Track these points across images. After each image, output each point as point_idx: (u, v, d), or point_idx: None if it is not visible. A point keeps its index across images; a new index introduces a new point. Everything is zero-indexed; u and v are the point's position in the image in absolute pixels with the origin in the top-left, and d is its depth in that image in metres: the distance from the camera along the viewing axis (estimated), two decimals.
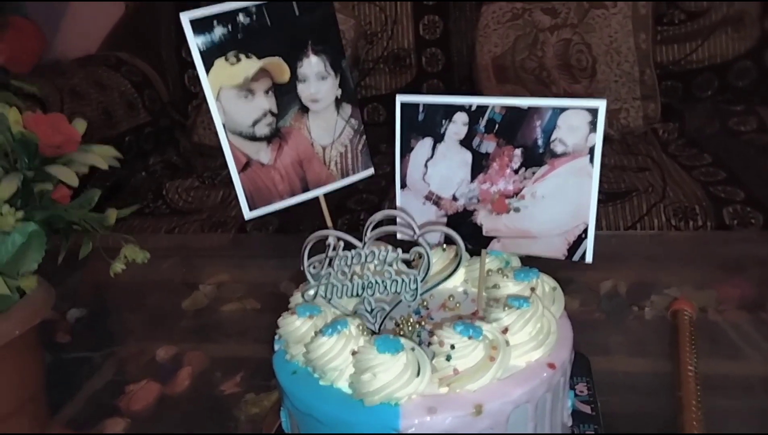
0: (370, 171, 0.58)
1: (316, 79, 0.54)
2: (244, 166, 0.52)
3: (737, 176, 1.38)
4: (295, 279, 0.92)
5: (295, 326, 0.50)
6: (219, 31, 0.49)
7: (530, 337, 0.48)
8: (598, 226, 1.32)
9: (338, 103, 0.55)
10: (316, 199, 0.56)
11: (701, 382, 0.62)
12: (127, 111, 1.79)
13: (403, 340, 0.46)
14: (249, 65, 0.50)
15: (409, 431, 0.44)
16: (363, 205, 1.41)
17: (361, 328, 0.49)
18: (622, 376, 0.70)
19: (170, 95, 1.99)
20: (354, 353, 0.47)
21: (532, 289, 0.53)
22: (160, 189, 1.56)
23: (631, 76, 1.72)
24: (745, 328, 0.75)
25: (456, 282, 0.59)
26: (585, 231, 0.50)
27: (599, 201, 1.37)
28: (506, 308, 0.49)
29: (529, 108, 0.49)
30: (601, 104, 0.47)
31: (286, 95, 0.53)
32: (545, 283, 0.54)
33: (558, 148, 0.49)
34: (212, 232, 1.34)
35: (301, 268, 0.52)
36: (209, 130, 1.89)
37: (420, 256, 0.50)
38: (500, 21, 1.78)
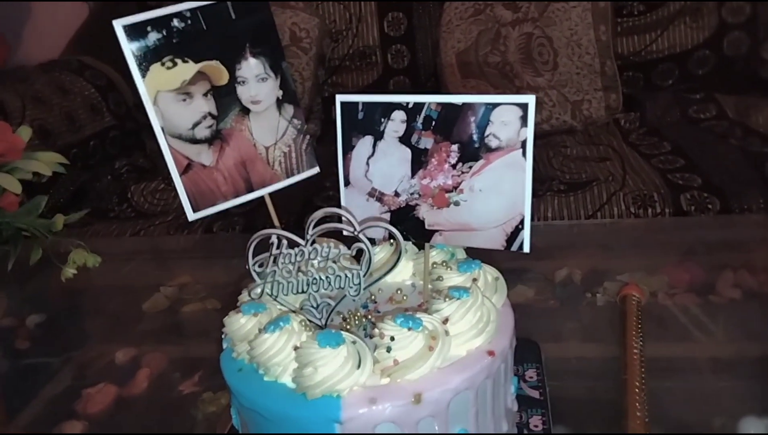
0: (315, 169, 0.59)
1: (256, 81, 0.54)
2: (186, 169, 0.53)
3: (695, 163, 1.41)
4: None
5: (240, 324, 0.51)
6: (153, 37, 0.49)
7: (470, 326, 0.49)
8: (560, 216, 1.34)
9: (279, 103, 0.56)
10: (262, 199, 0.57)
11: (647, 364, 0.64)
12: (91, 115, 1.78)
13: (344, 334, 0.47)
14: (186, 69, 0.51)
15: (350, 422, 0.45)
16: (329, 202, 1.41)
17: (303, 323, 0.50)
18: (572, 362, 0.71)
19: (135, 98, 1.97)
20: (296, 348, 0.47)
21: (474, 280, 0.54)
22: (125, 192, 1.56)
23: (592, 68, 1.75)
24: (694, 311, 0.77)
25: (405, 275, 0.60)
26: (522, 222, 0.51)
27: (561, 191, 1.39)
28: (447, 299, 0.50)
29: (463, 104, 0.50)
30: (530, 100, 0.48)
31: (225, 97, 0.53)
32: (488, 274, 0.55)
33: (492, 143, 0.50)
34: (178, 234, 1.34)
35: (246, 267, 0.52)
36: None
37: (361, 251, 0.51)
38: (463, 17, 1.79)
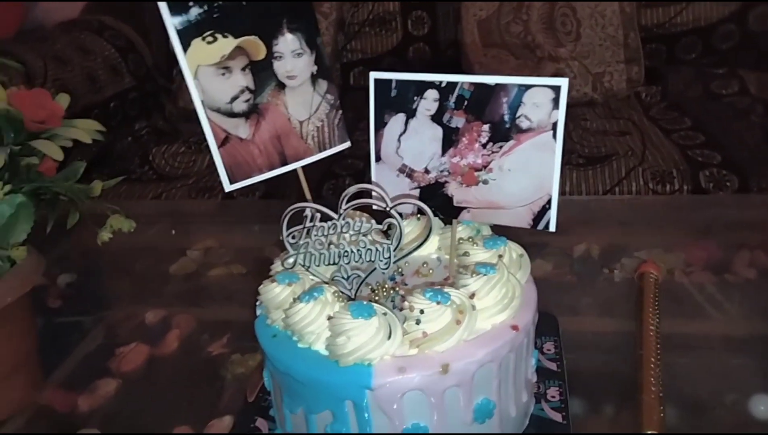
0: (347, 144, 0.61)
1: (292, 56, 0.55)
2: (224, 141, 0.54)
3: (715, 140, 1.41)
4: (279, 244, 0.95)
5: (275, 293, 0.53)
6: (195, 12, 0.50)
7: (496, 302, 0.51)
8: (578, 190, 1.35)
9: (314, 79, 0.57)
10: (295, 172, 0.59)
11: (663, 341, 0.66)
12: (111, 76, 1.79)
13: (375, 306, 0.49)
14: (225, 44, 0.52)
15: (380, 389, 0.47)
16: (348, 171, 1.44)
17: (336, 294, 0.52)
18: (589, 336, 0.73)
19: (154, 59, 1.98)
20: (330, 318, 0.50)
21: (500, 256, 0.55)
22: (146, 155, 1.58)
23: (615, 40, 1.73)
24: (710, 289, 0.79)
25: (430, 249, 0.61)
26: (549, 202, 0.53)
27: (580, 165, 1.40)
28: (474, 275, 0.52)
29: (496, 85, 0.51)
30: (563, 82, 0.49)
31: (262, 72, 0.54)
32: (512, 251, 0.57)
33: (523, 124, 0.51)
34: (199, 198, 1.37)
35: (280, 238, 0.54)
36: None
37: (392, 226, 0.52)
38: None
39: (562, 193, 1.36)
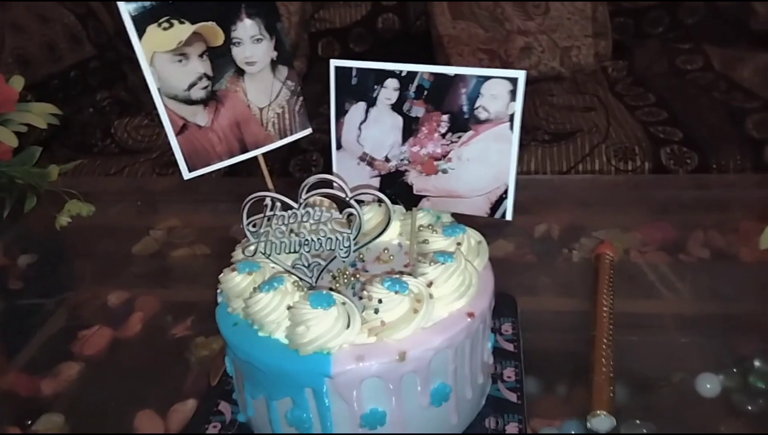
0: (308, 130, 0.60)
1: (251, 42, 0.55)
2: (182, 129, 0.54)
3: (677, 117, 1.44)
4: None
5: (236, 282, 0.54)
6: None
7: (453, 290, 0.52)
8: (543, 167, 1.37)
9: (274, 65, 0.57)
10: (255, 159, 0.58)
11: (616, 320, 0.69)
12: (71, 44, 1.74)
13: (335, 295, 0.50)
14: (182, 30, 0.51)
15: (339, 377, 0.48)
16: (315, 145, 1.43)
17: (296, 284, 0.52)
18: (547, 316, 0.76)
19: (116, 27, 1.92)
20: (290, 308, 0.50)
21: (458, 244, 0.56)
22: (108, 127, 1.55)
23: (583, 14, 1.74)
24: (663, 268, 0.81)
25: (391, 235, 0.62)
26: (506, 191, 0.54)
27: (545, 141, 1.42)
28: (432, 263, 0.53)
29: (456, 76, 0.52)
30: (520, 75, 0.50)
31: (220, 58, 0.54)
32: (471, 238, 0.58)
33: (481, 115, 0.52)
34: (163, 172, 1.35)
35: (241, 226, 0.54)
36: None
37: (352, 216, 0.53)
38: None
39: (527, 168, 1.37)
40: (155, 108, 1.43)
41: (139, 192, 1.15)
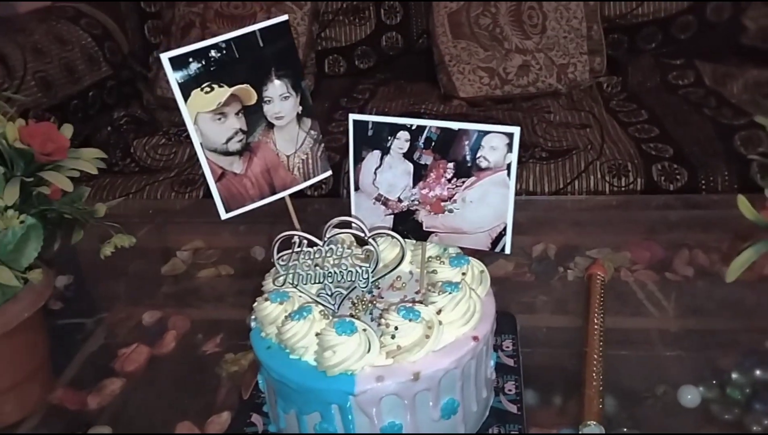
0: (328, 173, 0.68)
1: (280, 99, 0.62)
2: (220, 177, 0.61)
3: (668, 133, 1.51)
4: (264, 244, 1.03)
5: (269, 311, 0.61)
6: (194, 66, 0.57)
7: (459, 316, 0.60)
8: (540, 184, 1.44)
9: (299, 118, 0.64)
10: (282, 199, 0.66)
11: (606, 336, 0.76)
12: (89, 65, 1.81)
13: (356, 323, 0.57)
14: (221, 93, 0.58)
15: (362, 395, 0.56)
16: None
17: (322, 313, 0.60)
18: (544, 332, 0.83)
19: (130, 46, 2.00)
20: (318, 334, 0.58)
21: (463, 274, 0.64)
22: (127, 147, 1.62)
23: (579, 32, 1.81)
24: (650, 287, 0.89)
25: (404, 265, 0.70)
26: (504, 229, 0.61)
27: (543, 159, 1.49)
28: (440, 293, 0.60)
29: (459, 130, 0.59)
30: (515, 130, 0.57)
31: (253, 114, 0.61)
32: (474, 268, 0.65)
33: (482, 163, 0.59)
34: (183, 192, 1.42)
35: (272, 260, 0.62)
36: None
37: (370, 252, 0.60)
38: None
39: (526, 185, 1.45)
40: (173, 121, 1.53)
41: (161, 214, 1.22)
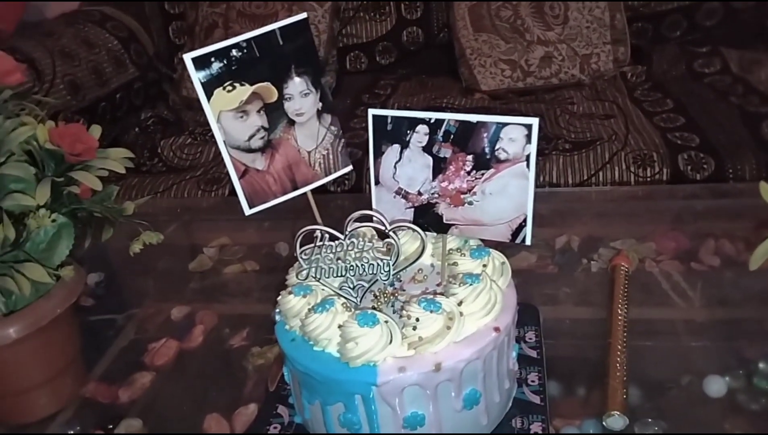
0: (349, 168, 0.69)
1: (300, 96, 0.63)
2: (243, 173, 0.62)
3: (694, 122, 1.49)
4: (288, 240, 1.04)
5: (292, 304, 0.62)
6: (216, 66, 0.58)
7: (480, 308, 0.60)
8: (564, 176, 1.43)
9: (319, 114, 0.65)
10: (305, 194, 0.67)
11: (630, 327, 0.76)
12: (115, 68, 1.85)
13: (378, 315, 0.58)
14: (243, 91, 0.60)
15: (384, 385, 0.57)
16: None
17: (345, 305, 0.61)
18: (567, 324, 0.83)
19: (156, 48, 2.04)
20: (340, 326, 0.59)
21: (484, 266, 0.64)
22: (155, 147, 1.65)
23: (602, 22, 1.79)
24: (676, 277, 0.88)
25: (425, 257, 0.70)
26: (524, 220, 0.61)
27: (566, 150, 1.48)
28: (461, 284, 0.61)
29: (478, 122, 0.59)
30: (534, 122, 0.57)
31: (275, 112, 0.62)
32: (495, 259, 0.66)
33: (501, 156, 0.59)
34: (209, 190, 1.45)
35: (295, 255, 0.63)
36: None
37: (391, 245, 0.61)
38: None
39: (549, 177, 1.44)
40: (198, 121, 1.55)
41: (187, 211, 1.25)
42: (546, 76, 1.76)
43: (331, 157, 0.67)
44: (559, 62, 1.77)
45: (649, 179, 1.35)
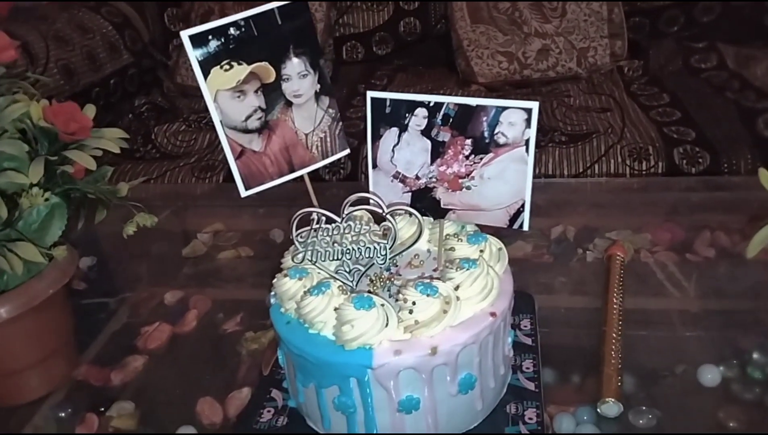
0: (347, 151, 0.68)
1: (298, 77, 0.62)
2: (240, 154, 0.62)
3: (690, 117, 1.49)
4: (282, 226, 1.04)
5: (288, 286, 0.62)
6: (213, 44, 0.57)
7: (477, 293, 0.60)
8: (560, 168, 1.43)
9: (317, 96, 0.64)
10: (300, 179, 0.67)
11: (626, 316, 0.76)
12: (110, 53, 1.83)
13: (374, 298, 0.58)
14: (240, 71, 0.59)
15: (380, 369, 0.56)
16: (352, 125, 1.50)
17: (341, 288, 0.60)
18: (562, 312, 0.83)
19: (151, 34, 2.02)
20: (336, 309, 0.58)
21: (481, 251, 0.64)
22: (149, 133, 1.64)
23: (599, 15, 1.79)
24: (671, 268, 0.88)
25: (421, 243, 0.70)
26: (523, 205, 0.61)
27: (563, 142, 1.49)
28: (458, 269, 0.61)
29: (477, 106, 0.59)
30: (534, 106, 0.57)
31: (272, 93, 0.62)
32: (492, 245, 0.65)
33: (500, 140, 0.59)
34: (203, 177, 1.44)
35: (291, 237, 0.62)
36: (192, 71, 1.94)
37: (388, 228, 0.61)
38: None
39: (545, 169, 1.44)
40: (192, 108, 1.54)
41: (181, 197, 1.24)
42: (543, 69, 1.76)
43: (328, 139, 0.66)
44: (556, 55, 1.76)
45: (644, 172, 1.36)
